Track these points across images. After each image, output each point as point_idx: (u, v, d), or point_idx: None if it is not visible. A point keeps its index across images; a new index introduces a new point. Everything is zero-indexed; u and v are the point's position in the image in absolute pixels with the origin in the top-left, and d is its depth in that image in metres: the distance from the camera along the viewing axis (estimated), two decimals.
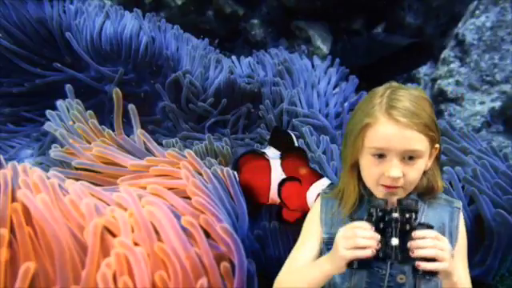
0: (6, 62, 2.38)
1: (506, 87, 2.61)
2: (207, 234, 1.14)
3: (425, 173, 1.01)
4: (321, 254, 1.08)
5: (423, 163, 0.97)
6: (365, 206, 1.04)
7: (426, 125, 0.94)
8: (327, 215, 1.09)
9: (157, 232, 1.10)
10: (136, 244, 1.07)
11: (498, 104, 2.60)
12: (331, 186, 1.16)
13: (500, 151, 1.82)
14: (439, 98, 2.78)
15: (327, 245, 1.06)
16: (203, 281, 1.04)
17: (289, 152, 1.56)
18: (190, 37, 2.65)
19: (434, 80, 2.89)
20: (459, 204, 1.06)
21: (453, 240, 1.02)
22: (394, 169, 0.93)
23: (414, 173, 0.96)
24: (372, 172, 0.97)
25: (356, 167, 1.03)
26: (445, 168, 1.68)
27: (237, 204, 1.37)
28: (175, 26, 2.61)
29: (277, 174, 1.52)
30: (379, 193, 0.98)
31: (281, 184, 1.50)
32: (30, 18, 2.36)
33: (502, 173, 1.63)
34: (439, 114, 2.73)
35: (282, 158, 1.55)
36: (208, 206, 1.21)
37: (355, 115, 1.02)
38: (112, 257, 1.03)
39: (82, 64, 2.41)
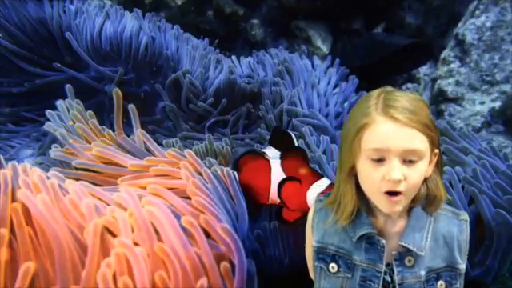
0: (6, 62, 2.38)
1: (505, 87, 2.62)
2: (207, 234, 1.14)
3: (425, 180, 0.95)
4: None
5: (424, 166, 0.91)
6: (363, 217, 0.99)
7: (425, 124, 0.89)
8: (319, 224, 1.05)
9: (157, 232, 1.10)
10: (136, 244, 1.07)
11: (497, 104, 2.60)
12: (328, 195, 1.09)
13: (500, 151, 1.82)
14: (439, 98, 2.78)
15: (318, 254, 1.04)
16: (203, 281, 1.04)
17: (289, 152, 1.56)
18: (189, 37, 2.65)
19: (434, 80, 2.89)
20: (466, 216, 1.02)
21: (461, 253, 0.99)
22: (395, 170, 0.87)
23: (415, 175, 0.89)
24: (372, 178, 0.90)
25: (353, 175, 0.96)
26: (445, 168, 1.68)
27: (237, 204, 1.37)
28: (175, 26, 2.61)
29: (277, 174, 1.52)
30: (382, 203, 0.92)
31: (281, 184, 1.50)
32: (29, 18, 2.36)
33: (502, 173, 1.63)
34: (439, 114, 2.73)
35: (281, 158, 1.54)
36: (208, 206, 1.21)
37: (350, 119, 0.96)
38: (112, 257, 1.03)
39: (82, 64, 2.40)
